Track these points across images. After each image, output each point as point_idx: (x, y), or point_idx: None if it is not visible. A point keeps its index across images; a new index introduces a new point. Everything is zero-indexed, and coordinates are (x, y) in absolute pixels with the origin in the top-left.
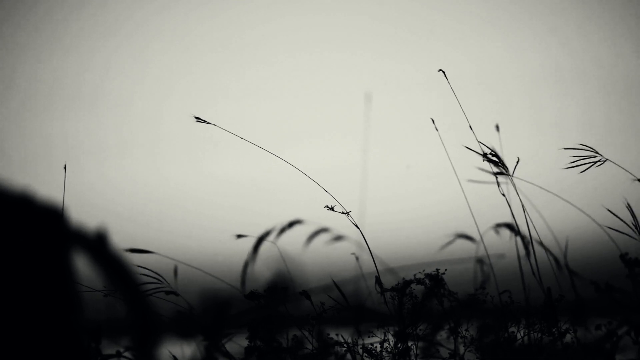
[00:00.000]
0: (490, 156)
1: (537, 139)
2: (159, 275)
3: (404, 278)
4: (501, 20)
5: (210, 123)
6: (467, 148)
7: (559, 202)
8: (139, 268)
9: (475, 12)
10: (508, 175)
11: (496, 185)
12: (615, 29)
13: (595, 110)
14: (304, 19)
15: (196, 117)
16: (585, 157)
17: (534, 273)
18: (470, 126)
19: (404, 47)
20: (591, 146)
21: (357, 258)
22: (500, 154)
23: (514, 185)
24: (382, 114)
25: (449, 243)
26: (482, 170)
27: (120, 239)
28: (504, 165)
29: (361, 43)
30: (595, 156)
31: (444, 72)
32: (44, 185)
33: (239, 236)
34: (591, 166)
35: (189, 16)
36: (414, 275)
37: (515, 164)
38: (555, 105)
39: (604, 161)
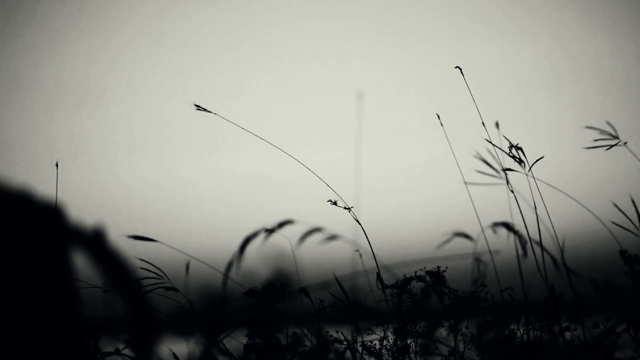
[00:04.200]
0: (510, 151)
1: (534, 138)
2: (159, 269)
3: (404, 275)
4: (495, 18)
5: (210, 112)
6: (489, 141)
7: (560, 198)
8: (140, 261)
9: (469, 11)
10: (524, 172)
11: (494, 184)
12: (612, 27)
13: (592, 108)
14: (298, 23)
15: (196, 105)
16: (606, 138)
17: (539, 270)
18: (483, 122)
19: (397, 48)
20: (613, 126)
21: (360, 255)
22: (496, 151)
23: (531, 182)
24: (375, 113)
25: (447, 241)
26: (478, 171)
27: (125, 235)
28: (522, 161)
29: (354, 44)
30: (615, 138)
31: (460, 69)
32: (50, 184)
33: (269, 230)
34: (613, 146)
35: (196, 16)
36: (415, 272)
37: (536, 160)
38: (550, 103)
39: (625, 143)
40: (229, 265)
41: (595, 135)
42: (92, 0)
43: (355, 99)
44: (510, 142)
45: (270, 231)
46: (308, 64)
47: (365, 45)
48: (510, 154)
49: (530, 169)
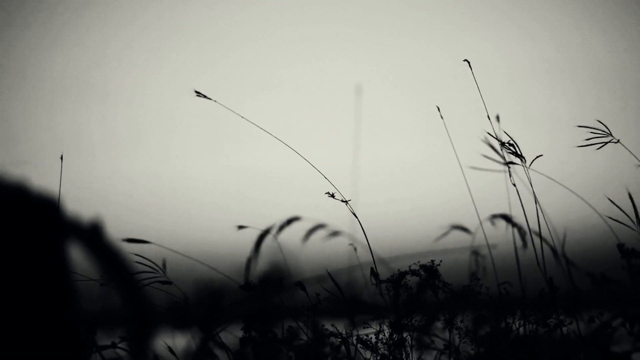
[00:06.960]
0: (508, 145)
1: (531, 133)
2: (154, 264)
3: (399, 269)
4: (490, 14)
5: (210, 98)
6: (489, 134)
7: (559, 193)
8: (136, 256)
9: (464, 6)
10: (523, 165)
11: (494, 175)
12: (608, 23)
13: (588, 103)
14: (295, 16)
15: (196, 92)
16: (599, 136)
17: (538, 264)
18: (488, 116)
19: (394, 43)
20: (605, 124)
21: (355, 249)
22: (499, 145)
23: (528, 176)
24: (374, 107)
25: (444, 234)
26: (479, 168)
27: (124, 230)
28: (521, 156)
29: (352, 39)
30: (608, 135)
31: (469, 63)
32: (54, 177)
33: (241, 227)
34: (605, 144)
35: (203, 13)
36: (409, 266)
37: (535, 157)
38: (546, 97)
39: (617, 141)
40: (249, 263)
41: (589, 132)
42: None
43: (354, 93)
44: (510, 137)
45: (280, 228)
46: (307, 60)
47: (362, 40)
48: (509, 149)
49: (530, 164)
